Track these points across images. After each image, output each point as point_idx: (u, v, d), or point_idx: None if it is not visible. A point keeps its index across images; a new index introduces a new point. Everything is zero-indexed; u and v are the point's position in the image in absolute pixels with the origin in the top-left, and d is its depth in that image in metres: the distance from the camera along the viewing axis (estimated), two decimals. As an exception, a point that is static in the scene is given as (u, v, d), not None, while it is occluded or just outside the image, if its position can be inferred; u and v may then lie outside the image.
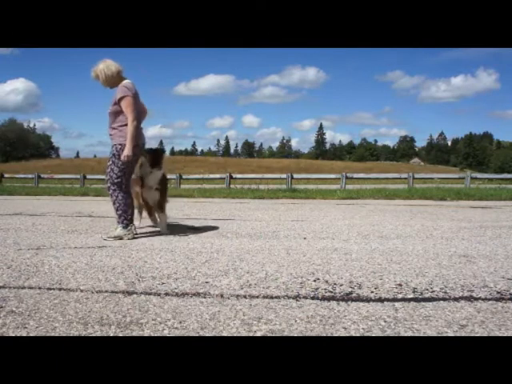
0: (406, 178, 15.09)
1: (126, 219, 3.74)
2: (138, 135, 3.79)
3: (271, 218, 5.62)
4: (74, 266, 2.62)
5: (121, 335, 1.52)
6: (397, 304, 1.87)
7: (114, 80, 3.77)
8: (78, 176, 18.47)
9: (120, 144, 3.71)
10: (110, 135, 3.81)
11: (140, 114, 3.82)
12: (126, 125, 3.70)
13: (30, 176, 19.51)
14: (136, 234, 3.89)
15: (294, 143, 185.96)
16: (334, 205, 8.22)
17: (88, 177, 18.42)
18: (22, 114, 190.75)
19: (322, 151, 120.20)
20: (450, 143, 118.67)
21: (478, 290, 2.09)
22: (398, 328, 1.58)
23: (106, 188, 3.75)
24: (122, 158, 3.65)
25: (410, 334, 1.53)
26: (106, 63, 3.76)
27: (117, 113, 3.72)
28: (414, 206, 7.93)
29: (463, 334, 1.52)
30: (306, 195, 10.78)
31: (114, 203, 3.76)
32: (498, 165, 73.99)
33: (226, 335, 1.53)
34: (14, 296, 1.98)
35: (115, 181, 3.71)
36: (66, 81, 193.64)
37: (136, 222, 3.98)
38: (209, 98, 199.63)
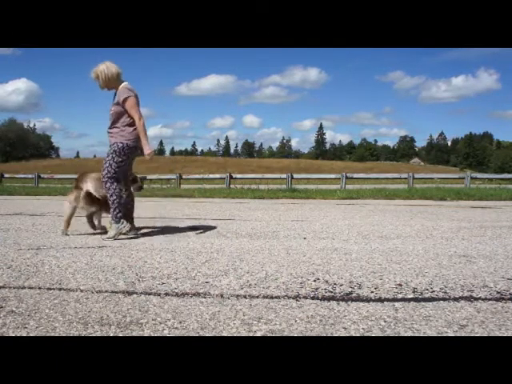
0: (405, 178, 15.10)
1: (120, 212, 3.81)
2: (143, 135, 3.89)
3: (271, 218, 5.62)
4: (74, 266, 2.62)
5: (121, 335, 1.52)
6: (397, 304, 1.87)
7: (113, 81, 3.86)
8: (78, 176, 18.42)
9: (121, 142, 3.80)
10: (110, 133, 3.89)
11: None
12: (128, 125, 3.82)
13: (29, 176, 19.49)
14: (137, 233, 3.90)
15: (294, 143, 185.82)
16: (334, 205, 8.22)
17: (88, 177, 18.38)
18: (23, 114, 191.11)
19: (322, 151, 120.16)
20: (449, 143, 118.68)
21: (477, 290, 2.09)
22: (397, 328, 1.58)
23: (103, 183, 3.83)
24: (147, 156, 3.81)
25: (409, 333, 1.53)
26: (106, 64, 3.85)
27: (119, 113, 3.81)
28: (414, 205, 7.93)
29: (463, 334, 1.52)
30: (306, 195, 10.78)
31: (110, 196, 3.82)
32: (498, 165, 74.02)
33: (226, 335, 1.52)
34: (14, 296, 1.98)
35: (113, 175, 3.80)
36: (67, 81, 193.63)
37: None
38: (210, 98, 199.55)
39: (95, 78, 3.86)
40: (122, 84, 3.85)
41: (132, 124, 3.82)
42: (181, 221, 5.17)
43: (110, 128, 3.89)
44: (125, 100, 3.74)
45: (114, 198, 3.79)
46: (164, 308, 1.82)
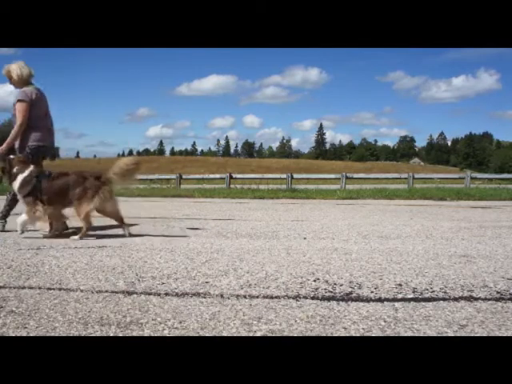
0: (405, 178, 15.11)
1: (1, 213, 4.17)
2: (32, 138, 3.98)
3: (271, 218, 5.62)
4: (73, 266, 2.62)
5: (121, 335, 1.52)
6: (397, 304, 1.87)
7: (22, 82, 4.00)
8: (78, 176, 18.41)
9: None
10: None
11: (37, 119, 3.99)
12: (31, 127, 3.95)
13: (29, 176, 19.45)
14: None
15: (294, 143, 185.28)
16: (334, 205, 8.23)
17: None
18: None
19: (322, 151, 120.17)
20: (449, 143, 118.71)
21: (477, 290, 2.08)
22: (397, 328, 1.58)
23: None
24: None
25: (409, 334, 1.53)
26: (18, 64, 4.01)
27: None
28: (413, 206, 7.93)
29: (463, 334, 1.52)
30: (306, 195, 10.79)
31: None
32: (497, 165, 74.04)
33: (226, 335, 1.52)
34: (14, 296, 1.98)
35: None
36: (67, 81, 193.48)
37: None
38: (210, 98, 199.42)
39: (5, 74, 4.02)
40: (23, 87, 3.97)
41: (33, 126, 3.95)
42: (181, 221, 5.17)
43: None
44: (16, 102, 3.90)
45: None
46: (164, 308, 1.81)
